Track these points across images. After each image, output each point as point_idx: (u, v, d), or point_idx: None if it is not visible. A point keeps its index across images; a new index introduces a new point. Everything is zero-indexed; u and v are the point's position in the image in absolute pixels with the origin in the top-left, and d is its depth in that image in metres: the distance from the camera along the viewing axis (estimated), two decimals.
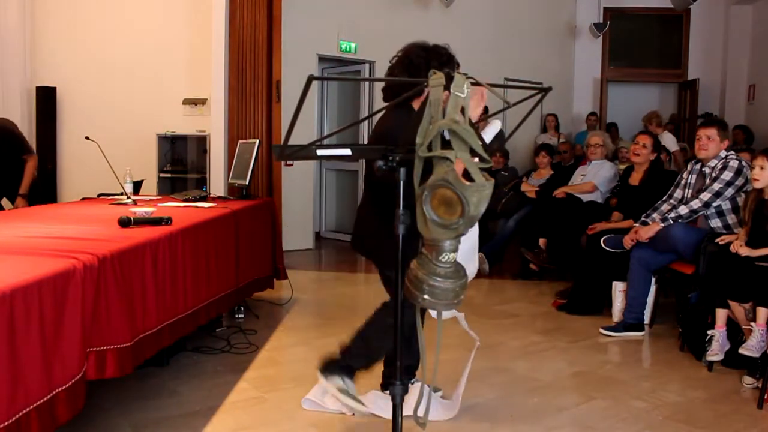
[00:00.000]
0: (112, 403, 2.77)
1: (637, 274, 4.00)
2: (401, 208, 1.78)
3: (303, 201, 7.09)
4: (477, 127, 1.95)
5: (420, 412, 1.86)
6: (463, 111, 1.61)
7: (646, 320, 4.09)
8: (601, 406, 2.88)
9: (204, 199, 4.31)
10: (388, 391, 2.39)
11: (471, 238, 2.39)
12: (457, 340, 3.86)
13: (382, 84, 2.70)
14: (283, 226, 5.95)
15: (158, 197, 4.76)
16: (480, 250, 5.79)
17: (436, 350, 1.84)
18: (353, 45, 7.36)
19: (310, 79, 1.54)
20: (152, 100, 6.56)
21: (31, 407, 1.77)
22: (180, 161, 6.55)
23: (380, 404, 2.70)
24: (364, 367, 2.63)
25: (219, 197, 4.68)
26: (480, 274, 5.65)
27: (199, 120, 6.52)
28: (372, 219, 2.55)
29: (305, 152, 1.80)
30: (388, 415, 2.40)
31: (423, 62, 2.41)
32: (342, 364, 2.58)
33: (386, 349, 2.56)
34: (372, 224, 2.54)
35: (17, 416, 1.71)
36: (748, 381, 3.12)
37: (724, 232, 3.71)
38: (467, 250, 2.36)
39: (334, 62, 7.76)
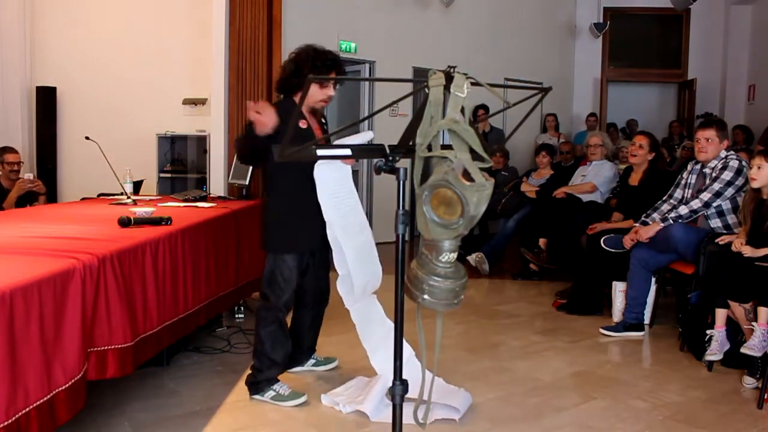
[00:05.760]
0: (112, 403, 2.77)
1: (637, 274, 4.00)
2: (402, 208, 1.78)
3: None
4: (477, 127, 1.97)
5: (420, 413, 1.86)
6: (462, 111, 1.61)
7: (646, 320, 4.09)
8: (601, 406, 2.88)
9: (204, 199, 4.31)
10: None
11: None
12: (457, 340, 3.86)
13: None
14: None
15: (158, 197, 4.76)
16: (480, 250, 5.79)
17: (436, 350, 1.84)
18: (353, 45, 7.36)
19: (310, 80, 1.54)
20: (152, 100, 6.56)
21: (31, 407, 1.77)
22: (180, 161, 6.55)
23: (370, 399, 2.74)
24: (279, 371, 2.95)
25: (219, 197, 4.68)
26: (480, 274, 5.66)
27: (199, 120, 6.51)
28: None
29: (305, 152, 1.80)
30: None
31: (309, 61, 2.78)
32: (261, 379, 2.88)
33: (281, 352, 2.90)
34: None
35: (17, 416, 1.71)
36: (748, 381, 3.11)
37: (724, 232, 3.71)
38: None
39: None
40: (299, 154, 1.81)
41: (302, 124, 2.82)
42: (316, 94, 2.82)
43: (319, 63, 2.77)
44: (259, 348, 2.87)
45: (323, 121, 3.03)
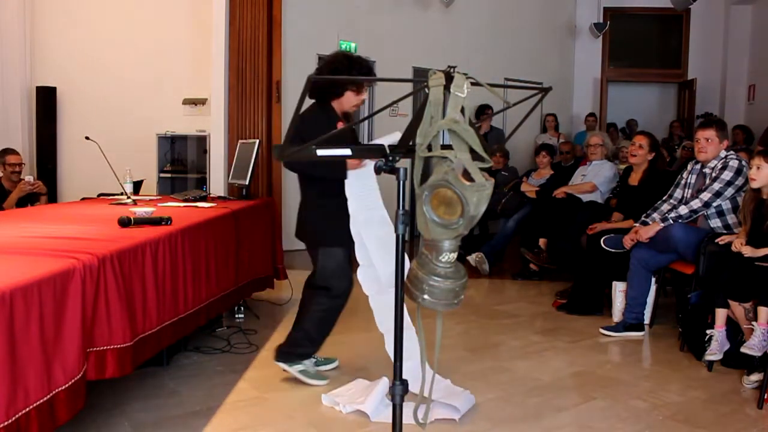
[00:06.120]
0: (112, 403, 2.77)
1: (637, 274, 4.00)
2: (402, 208, 1.78)
3: None
4: (478, 127, 1.99)
5: (420, 413, 1.86)
6: (462, 111, 1.61)
7: (646, 320, 4.09)
8: (601, 406, 2.88)
9: (204, 199, 4.31)
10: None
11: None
12: (457, 340, 3.86)
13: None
14: (283, 226, 5.94)
15: (158, 197, 4.76)
16: (480, 250, 5.79)
17: (436, 350, 1.84)
18: (353, 45, 7.35)
19: (310, 79, 1.54)
20: (152, 100, 6.57)
21: (31, 407, 1.77)
22: (180, 161, 6.56)
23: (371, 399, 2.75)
24: (315, 350, 3.13)
25: (219, 197, 4.68)
26: (480, 274, 5.66)
27: (199, 120, 6.52)
28: (301, 208, 3.09)
29: (305, 152, 1.80)
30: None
31: (345, 69, 2.89)
32: (295, 352, 3.06)
33: (324, 334, 3.09)
34: (301, 213, 3.09)
35: (17, 416, 1.71)
36: (749, 380, 3.11)
37: (724, 232, 3.71)
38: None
39: None
40: (299, 153, 1.81)
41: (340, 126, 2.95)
42: (351, 99, 2.98)
43: (355, 71, 2.90)
44: (305, 325, 3.03)
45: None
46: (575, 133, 9.10)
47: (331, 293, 3.00)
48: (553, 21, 9.43)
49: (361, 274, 2.87)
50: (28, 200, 4.69)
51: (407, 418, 1.91)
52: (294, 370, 3.04)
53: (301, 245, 3.09)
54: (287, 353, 3.06)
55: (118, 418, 2.64)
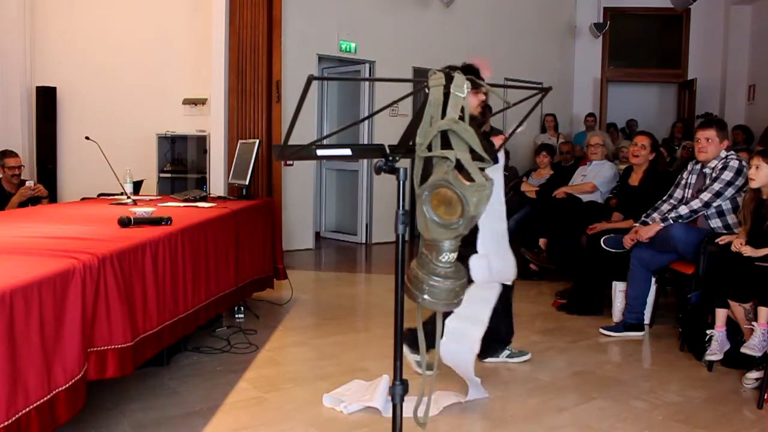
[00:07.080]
0: (112, 403, 2.77)
1: (637, 274, 4.00)
2: (401, 208, 1.78)
3: (303, 201, 7.10)
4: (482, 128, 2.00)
5: (420, 412, 1.86)
6: (463, 111, 1.61)
7: (646, 320, 4.09)
8: (601, 406, 2.88)
9: (204, 199, 4.31)
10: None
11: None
12: None
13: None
14: (283, 226, 5.95)
15: (158, 197, 4.76)
16: None
17: (436, 351, 1.84)
18: (353, 45, 7.36)
19: (310, 79, 1.54)
20: (152, 100, 6.56)
21: (31, 407, 1.77)
22: (180, 161, 6.56)
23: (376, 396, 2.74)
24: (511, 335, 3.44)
25: (219, 197, 4.68)
26: None
27: (199, 120, 6.52)
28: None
29: (305, 152, 1.80)
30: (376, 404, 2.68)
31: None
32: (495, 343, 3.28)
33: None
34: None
35: (17, 416, 1.71)
36: (748, 378, 3.10)
37: (724, 232, 3.71)
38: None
39: (334, 62, 7.77)
40: (299, 153, 1.81)
41: None
42: (472, 101, 3.07)
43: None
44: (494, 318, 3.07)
45: None
46: (575, 133, 9.11)
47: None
48: (553, 21, 9.43)
49: (474, 262, 2.81)
50: (29, 203, 4.69)
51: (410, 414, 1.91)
52: (502, 357, 3.37)
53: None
54: (489, 348, 3.21)
55: (118, 418, 2.64)
